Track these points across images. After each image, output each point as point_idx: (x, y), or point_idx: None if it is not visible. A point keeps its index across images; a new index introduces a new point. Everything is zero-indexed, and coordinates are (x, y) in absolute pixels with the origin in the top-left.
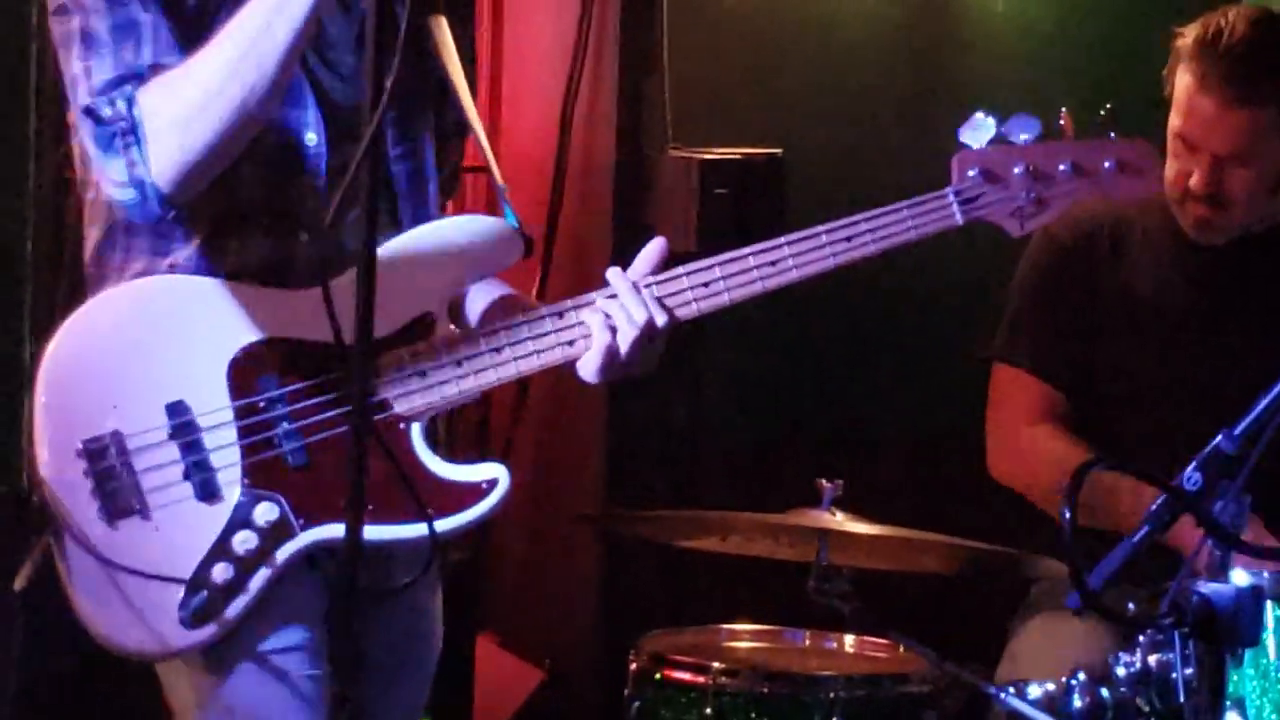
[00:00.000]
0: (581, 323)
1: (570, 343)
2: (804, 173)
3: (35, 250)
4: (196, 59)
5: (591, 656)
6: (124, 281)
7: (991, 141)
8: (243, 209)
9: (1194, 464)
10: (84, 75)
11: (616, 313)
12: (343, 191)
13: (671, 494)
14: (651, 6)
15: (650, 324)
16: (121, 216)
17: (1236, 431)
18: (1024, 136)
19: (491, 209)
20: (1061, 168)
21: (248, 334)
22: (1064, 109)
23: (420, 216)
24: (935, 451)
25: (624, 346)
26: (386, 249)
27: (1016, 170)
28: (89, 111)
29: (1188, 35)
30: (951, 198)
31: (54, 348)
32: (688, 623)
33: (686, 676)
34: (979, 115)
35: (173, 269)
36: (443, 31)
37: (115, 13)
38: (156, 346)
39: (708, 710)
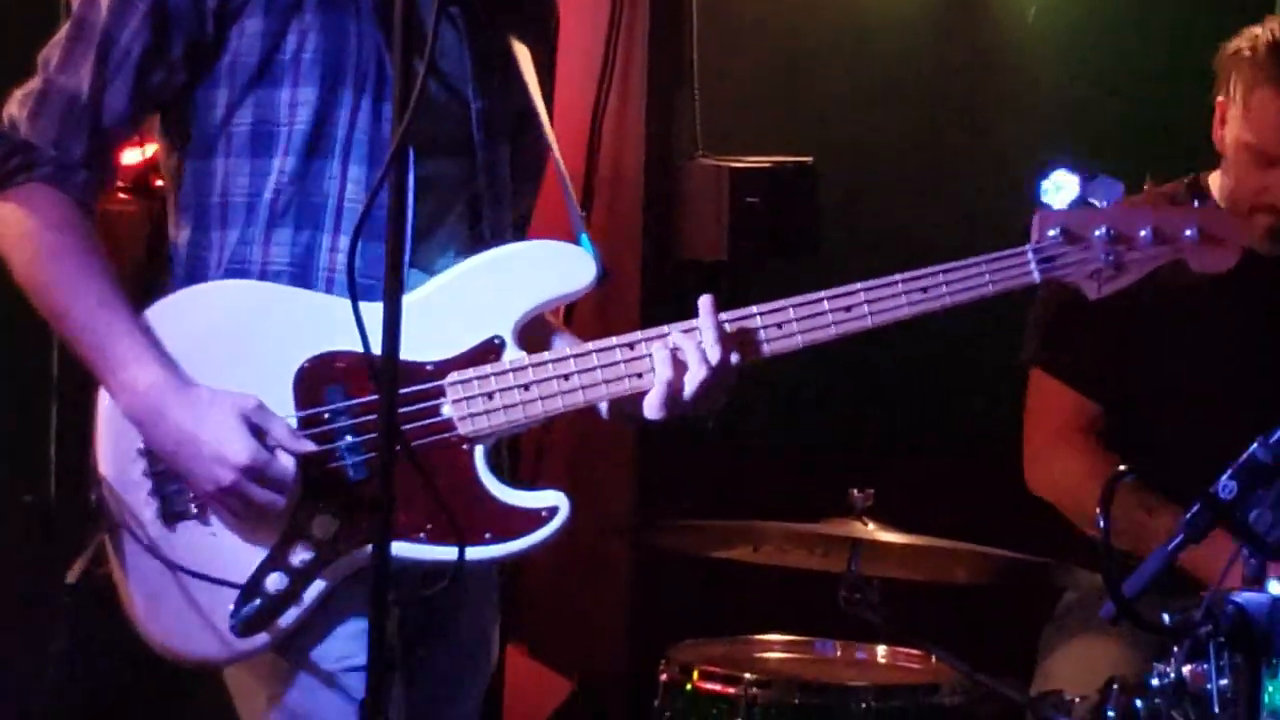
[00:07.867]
0: (650, 355)
1: (639, 375)
2: (835, 180)
3: None
4: (40, 264)
5: (621, 667)
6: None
7: (1074, 203)
8: (341, 210)
9: (1229, 472)
10: (26, 100)
11: (689, 348)
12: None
13: (703, 504)
14: (680, 16)
15: (724, 363)
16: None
17: (1272, 440)
18: (1106, 199)
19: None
20: (1143, 233)
21: (318, 344)
22: (1149, 175)
23: (499, 237)
24: (967, 460)
25: (690, 386)
26: (459, 271)
27: (1097, 233)
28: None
29: (1245, 47)
30: (1030, 255)
31: None
32: (718, 633)
33: (717, 687)
34: (1061, 173)
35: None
36: (525, 57)
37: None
38: (226, 349)
39: None
